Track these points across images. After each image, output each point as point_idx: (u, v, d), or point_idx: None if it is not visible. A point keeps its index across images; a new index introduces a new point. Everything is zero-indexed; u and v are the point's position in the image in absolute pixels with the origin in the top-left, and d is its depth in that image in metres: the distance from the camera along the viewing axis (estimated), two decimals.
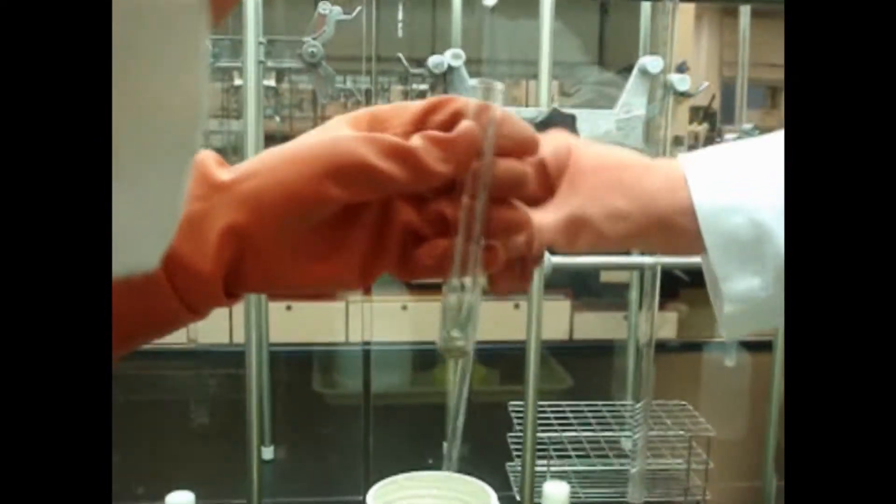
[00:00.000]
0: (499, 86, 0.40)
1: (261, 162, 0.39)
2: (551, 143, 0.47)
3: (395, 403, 2.42)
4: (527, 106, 1.57)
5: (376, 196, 0.39)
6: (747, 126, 1.87)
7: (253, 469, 1.40)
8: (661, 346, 2.58)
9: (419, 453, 1.99)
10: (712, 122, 3.29)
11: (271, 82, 2.58)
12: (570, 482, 1.82)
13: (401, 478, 0.96)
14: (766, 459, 1.84)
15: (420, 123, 0.40)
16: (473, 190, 0.39)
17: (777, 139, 0.47)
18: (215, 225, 0.38)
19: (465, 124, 0.38)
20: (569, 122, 1.24)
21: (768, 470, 1.84)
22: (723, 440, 1.85)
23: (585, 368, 2.62)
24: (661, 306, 3.57)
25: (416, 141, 0.38)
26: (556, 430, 1.81)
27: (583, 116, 1.27)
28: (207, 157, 0.39)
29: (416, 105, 0.40)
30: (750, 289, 0.47)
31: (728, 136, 2.02)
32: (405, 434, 2.13)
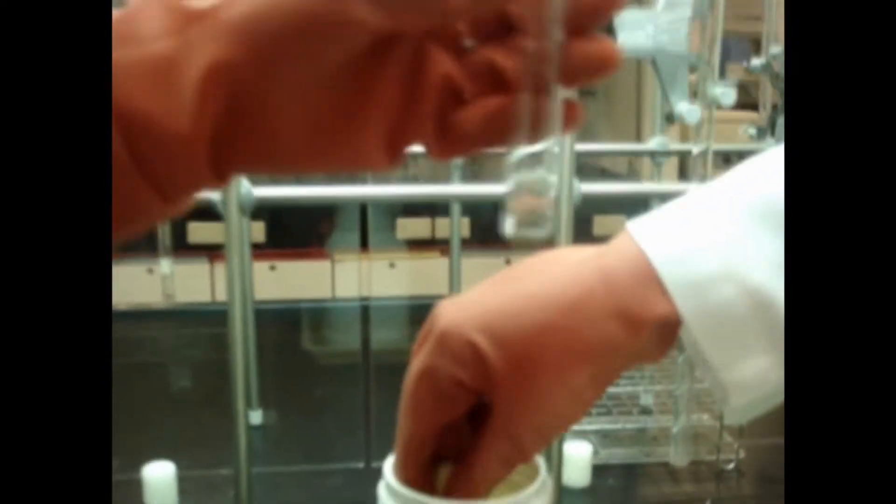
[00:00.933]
0: None
1: None
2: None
3: (395, 361, 2.25)
4: None
5: (422, 24, 0.31)
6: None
7: (240, 434, 1.28)
8: None
9: None
10: None
11: None
12: (589, 441, 1.68)
13: None
14: None
15: None
16: (540, 24, 0.30)
17: (730, 182, 0.40)
18: (193, 66, 0.29)
19: None
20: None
21: None
22: None
23: None
24: None
25: None
26: None
27: (620, 19, 1.08)
28: None
29: None
30: (760, 372, 0.37)
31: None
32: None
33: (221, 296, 2.14)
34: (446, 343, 0.38)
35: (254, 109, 0.31)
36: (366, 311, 2.38)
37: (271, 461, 1.65)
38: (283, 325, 2.46)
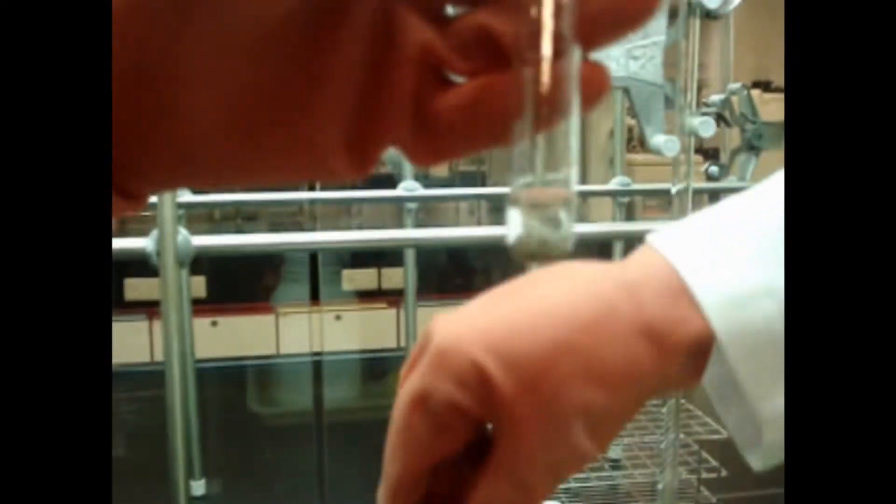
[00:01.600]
0: None
1: None
2: None
3: (350, 420, 2.14)
4: None
5: None
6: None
7: None
8: None
9: (378, 475, 1.71)
10: None
11: None
12: (559, 500, 1.58)
13: None
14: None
15: None
16: None
17: (756, 196, 0.36)
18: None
19: None
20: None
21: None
22: (730, 442, 1.61)
23: None
24: None
25: None
26: None
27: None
28: None
29: None
30: None
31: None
32: (361, 454, 1.84)
33: (159, 355, 2.03)
34: (444, 362, 0.33)
35: (158, 89, 0.23)
36: (317, 366, 2.26)
37: None
38: (227, 384, 2.33)
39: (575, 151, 0.24)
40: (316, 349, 2.45)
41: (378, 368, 2.37)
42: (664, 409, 1.22)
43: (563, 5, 0.23)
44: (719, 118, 1.58)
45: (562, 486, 1.61)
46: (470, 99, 0.24)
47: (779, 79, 3.87)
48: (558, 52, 0.23)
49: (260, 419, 2.18)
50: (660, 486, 1.18)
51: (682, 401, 1.69)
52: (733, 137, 1.97)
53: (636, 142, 3.59)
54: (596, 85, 0.24)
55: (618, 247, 1.76)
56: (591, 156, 3.58)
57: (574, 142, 0.24)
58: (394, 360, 2.30)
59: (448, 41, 0.24)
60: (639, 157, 3.15)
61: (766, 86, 3.73)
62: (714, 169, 1.86)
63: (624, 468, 1.73)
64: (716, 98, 1.74)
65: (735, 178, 1.83)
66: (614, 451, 1.78)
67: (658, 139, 1.04)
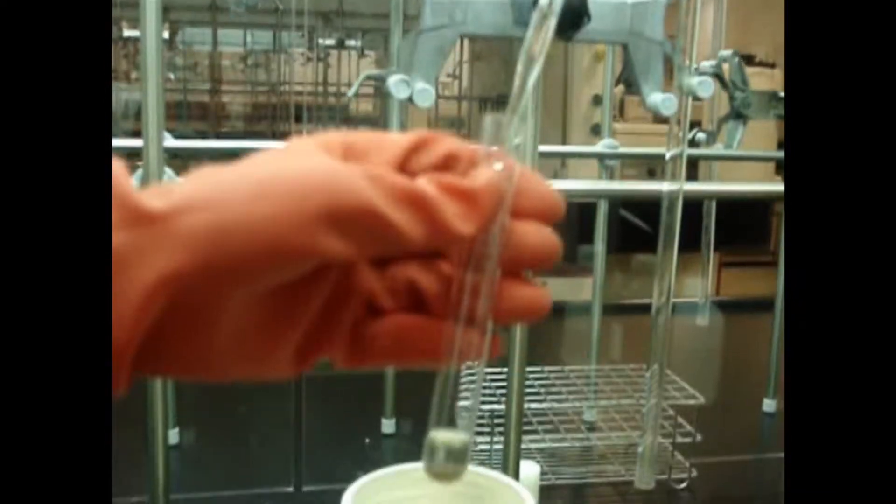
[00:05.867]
0: (505, 121, 0.33)
1: (207, 188, 0.29)
2: None
3: (323, 375, 2.11)
4: None
5: (378, 254, 0.32)
6: None
7: (157, 457, 1.13)
8: (619, 309, 2.39)
9: (354, 433, 1.71)
10: None
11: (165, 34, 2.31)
12: (536, 461, 1.58)
13: (387, 472, 0.71)
14: (760, 427, 1.62)
15: (404, 163, 0.33)
16: (477, 259, 0.31)
17: None
18: (141, 276, 0.28)
19: (487, 174, 0.32)
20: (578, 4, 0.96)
21: (763, 439, 1.63)
22: (707, 409, 1.61)
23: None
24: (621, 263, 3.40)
25: (425, 187, 0.31)
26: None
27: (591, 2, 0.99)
28: (118, 170, 0.29)
29: (399, 140, 0.33)
30: None
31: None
32: (337, 410, 1.83)
33: None
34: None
35: (190, 322, 0.30)
36: None
37: (190, 486, 1.50)
38: None
39: (477, 401, 0.34)
40: None
41: None
42: (647, 374, 1.22)
43: (481, 289, 0.31)
44: (718, 78, 1.57)
45: (537, 446, 1.62)
46: (391, 332, 0.32)
47: (761, 53, 3.87)
48: (467, 317, 0.31)
49: None
50: (640, 450, 1.18)
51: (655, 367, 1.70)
52: (721, 107, 1.96)
53: (615, 110, 3.58)
54: (492, 349, 0.32)
55: (602, 206, 1.75)
56: (572, 121, 3.56)
57: (477, 393, 0.34)
58: None
59: (382, 283, 0.32)
60: (618, 125, 3.15)
61: (749, 59, 3.73)
62: (701, 135, 1.85)
63: (600, 430, 1.73)
64: (707, 64, 1.73)
65: (721, 146, 1.82)
66: (590, 414, 1.78)
67: (655, 97, 1.02)
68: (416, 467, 0.69)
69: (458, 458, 0.32)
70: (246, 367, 0.33)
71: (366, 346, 0.33)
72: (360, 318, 0.33)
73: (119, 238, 0.28)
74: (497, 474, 0.68)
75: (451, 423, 0.32)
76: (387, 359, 0.34)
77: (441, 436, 0.32)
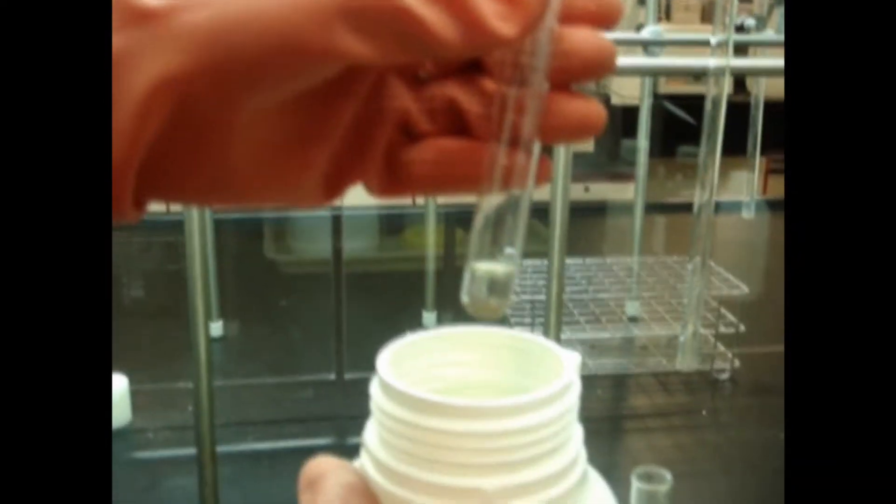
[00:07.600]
0: None
1: None
2: None
3: (364, 270, 2.13)
4: None
5: (408, 60, 0.29)
6: None
7: (199, 345, 1.16)
8: (663, 207, 2.36)
9: (395, 325, 1.71)
10: None
11: None
12: (576, 351, 1.58)
13: (422, 336, 0.68)
14: None
15: None
16: (522, 70, 0.28)
17: None
18: (137, 80, 0.25)
19: None
20: None
21: None
22: (752, 301, 1.59)
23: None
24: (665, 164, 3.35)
25: None
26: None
27: None
28: None
29: None
30: None
31: None
32: (378, 304, 1.84)
33: (175, 207, 2.01)
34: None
35: (197, 133, 0.27)
36: (336, 220, 2.24)
37: (233, 374, 1.53)
38: (244, 235, 2.32)
39: (522, 232, 0.29)
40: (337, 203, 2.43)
41: (395, 224, 2.35)
42: (689, 266, 1.20)
43: (526, 105, 0.28)
44: None
45: (578, 336, 1.61)
46: (430, 157, 0.30)
47: None
48: (512, 138, 0.28)
49: (276, 266, 2.17)
50: (681, 340, 1.17)
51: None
52: None
53: (661, 12, 3.47)
54: (539, 175, 0.29)
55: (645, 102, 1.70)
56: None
57: (522, 224, 0.29)
58: (410, 216, 2.28)
59: (419, 104, 0.30)
60: (664, 26, 3.06)
61: None
62: (750, 21, 1.78)
63: (642, 321, 1.72)
64: None
65: (773, 32, 1.75)
66: (632, 307, 1.77)
67: None
68: (456, 331, 0.69)
69: (501, 291, 0.29)
70: (269, 191, 0.31)
71: (402, 173, 0.31)
72: (395, 143, 0.31)
73: (117, 41, 0.25)
74: (543, 339, 0.66)
75: (493, 257, 0.30)
76: (425, 186, 0.31)
77: (483, 266, 0.29)
